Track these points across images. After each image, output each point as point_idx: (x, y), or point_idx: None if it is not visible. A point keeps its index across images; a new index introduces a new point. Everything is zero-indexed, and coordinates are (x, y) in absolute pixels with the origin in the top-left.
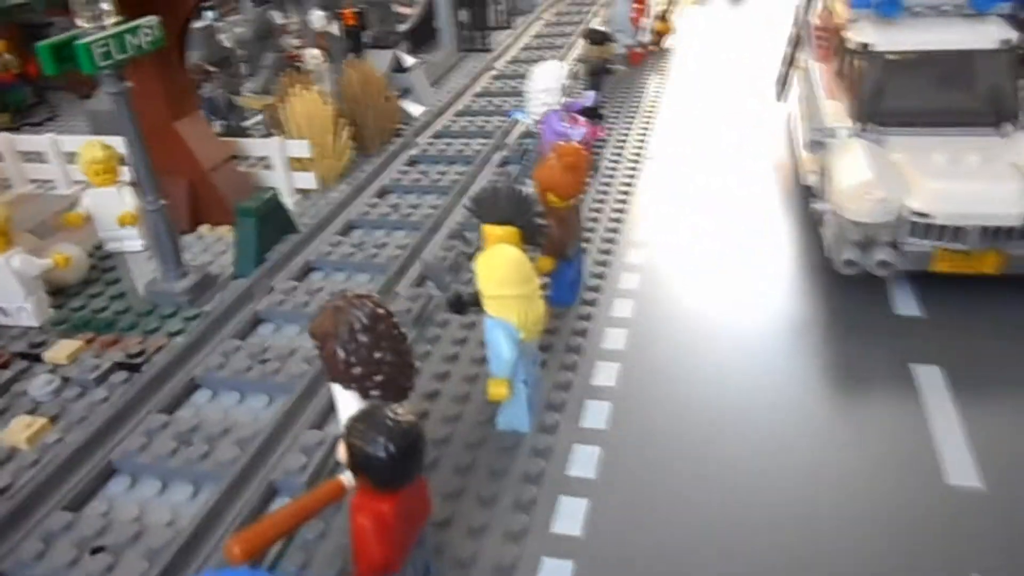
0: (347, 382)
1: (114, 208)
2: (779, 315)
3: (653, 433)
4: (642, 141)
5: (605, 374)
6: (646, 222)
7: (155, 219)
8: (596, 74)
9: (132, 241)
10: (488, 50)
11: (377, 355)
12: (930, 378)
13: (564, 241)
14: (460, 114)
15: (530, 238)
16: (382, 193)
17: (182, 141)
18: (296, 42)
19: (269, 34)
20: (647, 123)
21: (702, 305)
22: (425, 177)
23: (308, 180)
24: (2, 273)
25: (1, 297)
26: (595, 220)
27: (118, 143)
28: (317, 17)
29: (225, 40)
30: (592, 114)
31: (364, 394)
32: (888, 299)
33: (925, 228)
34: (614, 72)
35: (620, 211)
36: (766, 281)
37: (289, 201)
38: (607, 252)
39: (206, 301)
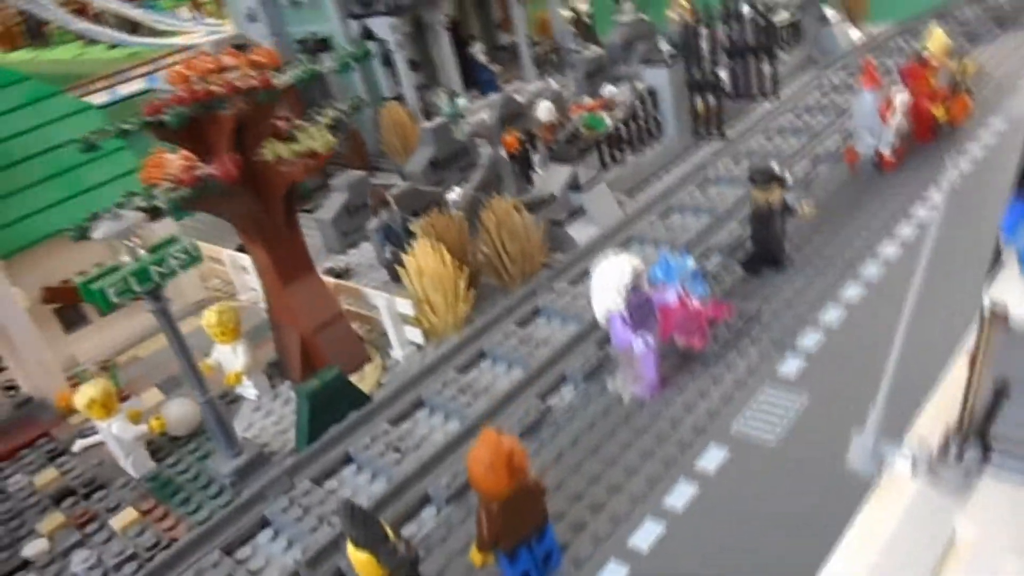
0: None
1: (231, 364)
2: None
3: None
4: (802, 323)
5: None
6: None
7: (205, 411)
8: (762, 220)
9: (251, 390)
10: (722, 136)
11: None
12: None
13: (498, 536)
14: (626, 242)
15: (387, 566)
16: (474, 360)
17: (289, 304)
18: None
19: (515, 119)
20: (837, 285)
21: None
22: (525, 345)
23: (418, 335)
24: (106, 435)
25: (113, 449)
26: (647, 455)
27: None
28: (543, 109)
29: (468, 124)
30: (767, 260)
31: None
32: None
33: None
34: (799, 214)
35: (687, 445)
36: None
37: (400, 354)
38: (619, 520)
39: (248, 486)
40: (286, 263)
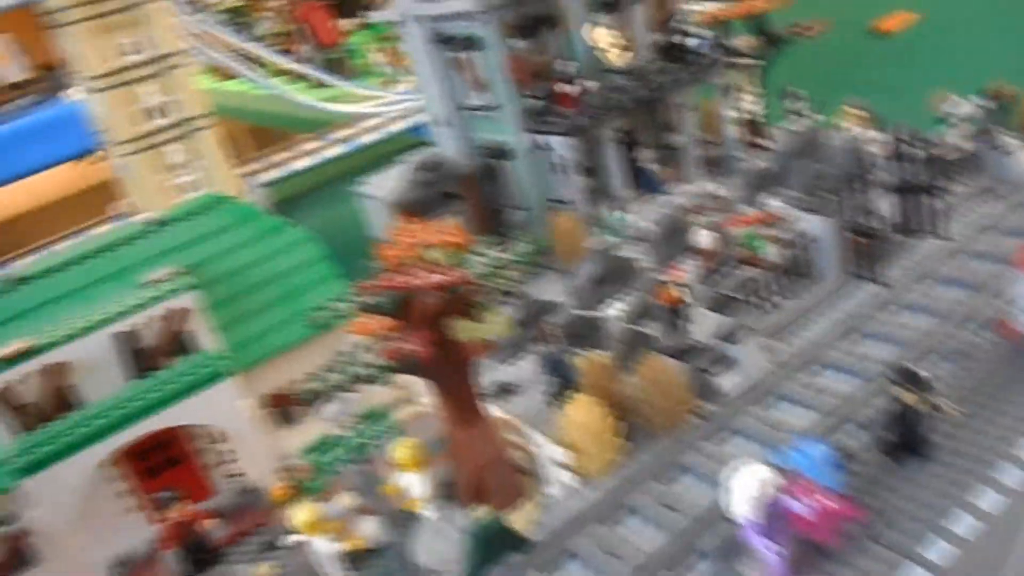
0: None
1: (415, 489)
2: None
3: None
4: (933, 530)
5: None
6: None
7: (388, 549)
8: (903, 418)
9: (429, 512)
10: (882, 282)
11: None
12: None
13: None
14: (772, 400)
15: None
16: (621, 514)
17: (463, 444)
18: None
19: (681, 230)
20: (976, 490)
21: None
22: (669, 509)
23: (571, 477)
24: (313, 547)
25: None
26: None
27: None
28: (704, 237)
29: (633, 228)
30: (910, 449)
31: None
32: None
33: None
34: (945, 411)
35: None
36: None
37: (557, 491)
38: None
39: None
40: (462, 411)
